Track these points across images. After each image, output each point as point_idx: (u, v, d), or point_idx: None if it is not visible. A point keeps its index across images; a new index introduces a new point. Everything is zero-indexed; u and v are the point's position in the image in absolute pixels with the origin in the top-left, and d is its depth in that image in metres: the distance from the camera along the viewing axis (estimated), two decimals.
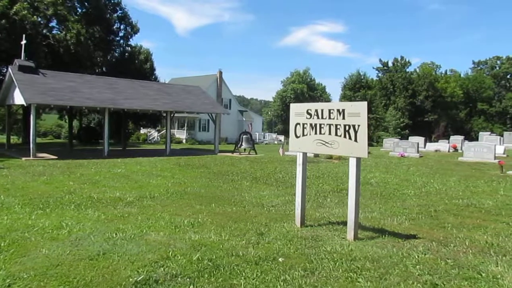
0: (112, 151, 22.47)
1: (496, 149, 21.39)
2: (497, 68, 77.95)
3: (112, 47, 35.72)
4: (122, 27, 35.76)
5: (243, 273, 4.39)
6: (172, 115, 25.42)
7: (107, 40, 34.01)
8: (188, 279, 4.21)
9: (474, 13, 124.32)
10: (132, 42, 38.13)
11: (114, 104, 21.37)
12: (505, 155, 23.70)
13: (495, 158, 19.62)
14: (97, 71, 32.89)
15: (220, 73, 52.21)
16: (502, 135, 37.42)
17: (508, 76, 76.66)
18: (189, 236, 5.80)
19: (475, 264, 4.83)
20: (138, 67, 36.01)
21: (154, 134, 47.55)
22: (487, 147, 20.71)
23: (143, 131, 48.97)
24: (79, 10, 32.75)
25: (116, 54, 36.76)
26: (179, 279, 4.22)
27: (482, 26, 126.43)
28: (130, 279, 4.18)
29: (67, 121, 35.23)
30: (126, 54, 36.82)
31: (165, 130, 28.43)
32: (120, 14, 34.94)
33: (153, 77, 39.00)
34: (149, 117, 37.15)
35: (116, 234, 5.84)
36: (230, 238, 5.74)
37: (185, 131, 48.69)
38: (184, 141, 45.46)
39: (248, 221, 6.84)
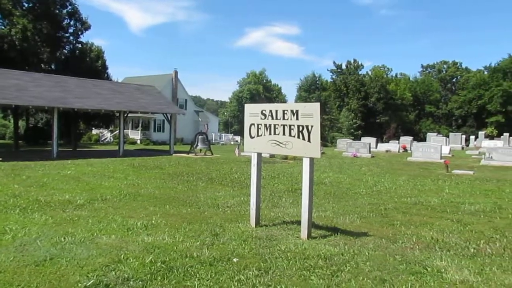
0: (61, 152, 21.63)
1: (442, 149, 22.46)
2: (444, 72, 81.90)
3: (61, 44, 34.27)
4: (72, 23, 34.33)
5: (197, 275, 4.35)
6: (125, 115, 24.81)
7: (56, 36, 32.58)
8: (140, 282, 4.12)
9: (422, 19, 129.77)
10: (83, 39, 36.80)
11: (63, 103, 20.57)
12: (450, 155, 24.93)
13: (441, 158, 20.59)
14: (44, 68, 31.46)
15: (176, 73, 51.55)
16: (448, 136, 39.41)
17: (454, 80, 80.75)
18: (142, 239, 5.68)
19: (421, 259, 5.05)
20: (89, 65, 34.73)
21: (106, 134, 46.23)
22: (434, 148, 21.70)
23: (95, 131, 47.41)
24: (25, 5, 31.21)
25: (66, 51, 35.30)
26: (131, 282, 4.12)
27: (429, 32, 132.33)
28: (79, 284, 4.04)
29: (12, 121, 33.48)
30: (77, 51, 35.42)
31: (118, 131, 27.71)
32: (69, 10, 33.61)
33: (106, 75, 37.77)
34: (101, 117, 35.98)
35: (64, 238, 5.62)
36: (185, 240, 5.67)
37: (139, 131, 47.67)
38: (138, 141, 44.49)
39: (203, 222, 6.79)
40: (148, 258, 4.80)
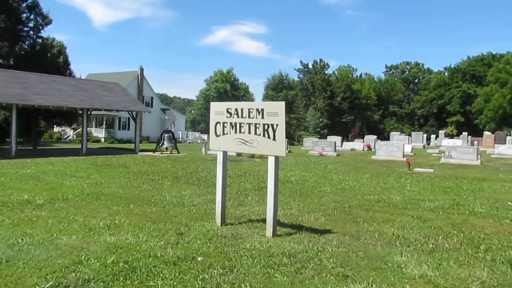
0: (20, 150, 20.87)
1: (405, 148, 23.13)
2: (407, 72, 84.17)
3: (21, 38, 32.97)
4: (32, 17, 33.11)
5: (161, 274, 4.30)
6: (89, 113, 24.21)
7: (15, 30, 31.33)
8: (101, 283, 4.03)
9: (386, 19, 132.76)
10: (44, 34, 35.40)
11: (23, 100, 19.83)
12: (412, 153, 25.70)
13: (404, 156, 21.19)
14: (3, 63, 30.18)
15: (141, 70, 50.70)
16: (410, 135, 40.60)
17: (416, 80, 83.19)
18: (104, 239, 5.55)
19: (383, 255, 5.17)
20: (51, 61, 33.53)
21: (69, 132, 44.93)
22: (397, 146, 22.29)
23: (57, 129, 45.97)
24: None
25: (25, 46, 33.98)
26: (91, 283, 4.02)
27: (393, 33, 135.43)
28: (37, 287, 3.91)
29: None
30: (37, 46, 34.14)
31: (81, 129, 26.99)
32: (29, 3, 32.38)
33: (68, 72, 36.57)
34: (64, 115, 34.79)
35: (22, 239, 5.42)
36: (148, 239, 5.59)
37: (103, 129, 46.58)
38: (102, 140, 43.48)
39: (168, 221, 6.71)
40: (110, 259, 4.70)
